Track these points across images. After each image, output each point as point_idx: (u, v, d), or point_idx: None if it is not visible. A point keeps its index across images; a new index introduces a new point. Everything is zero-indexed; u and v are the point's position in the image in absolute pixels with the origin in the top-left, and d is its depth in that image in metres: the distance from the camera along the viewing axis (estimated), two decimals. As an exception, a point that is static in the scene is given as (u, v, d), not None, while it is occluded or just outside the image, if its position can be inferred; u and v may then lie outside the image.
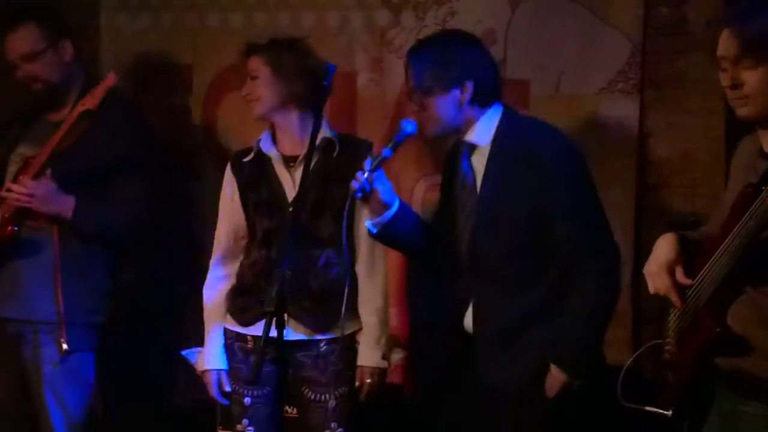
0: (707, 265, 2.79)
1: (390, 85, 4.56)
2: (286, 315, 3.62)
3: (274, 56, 3.94)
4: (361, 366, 3.92)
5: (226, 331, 4.01)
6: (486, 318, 3.53)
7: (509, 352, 3.47)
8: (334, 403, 3.88)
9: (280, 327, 3.17)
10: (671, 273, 2.87)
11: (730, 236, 2.72)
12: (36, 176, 3.90)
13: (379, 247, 3.89)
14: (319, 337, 3.89)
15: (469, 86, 3.49)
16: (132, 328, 4.49)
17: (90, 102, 3.87)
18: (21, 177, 3.93)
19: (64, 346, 3.95)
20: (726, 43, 2.80)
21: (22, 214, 3.95)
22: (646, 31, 4.27)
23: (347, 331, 3.89)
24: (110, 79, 3.91)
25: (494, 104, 3.55)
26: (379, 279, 3.95)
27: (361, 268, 3.94)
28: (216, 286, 4.05)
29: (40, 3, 4.19)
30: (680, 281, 2.86)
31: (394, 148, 3.51)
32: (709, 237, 2.90)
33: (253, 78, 3.96)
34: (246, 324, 3.94)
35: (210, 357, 4.02)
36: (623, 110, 4.26)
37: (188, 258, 4.66)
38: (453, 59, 3.50)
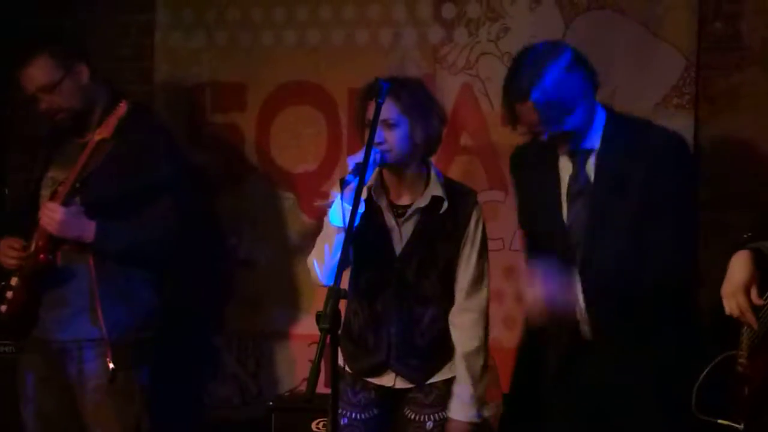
0: None
1: (443, 101, 4.53)
2: (393, 374, 3.74)
3: (408, 100, 3.69)
4: (452, 419, 3.80)
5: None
6: (601, 323, 3.44)
7: (625, 357, 3.40)
8: (431, 424, 3.80)
9: (335, 345, 3.13)
10: (747, 294, 2.86)
11: None
12: (65, 203, 3.90)
13: (481, 299, 3.79)
14: (427, 382, 3.82)
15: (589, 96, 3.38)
16: (186, 343, 4.51)
17: (105, 131, 3.85)
18: (48, 203, 3.93)
19: (111, 366, 3.97)
20: None
21: (56, 241, 3.94)
22: (701, 46, 4.26)
23: (451, 375, 3.80)
24: (122, 109, 3.85)
25: (596, 105, 3.43)
26: (471, 328, 3.80)
27: (452, 318, 3.80)
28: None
29: (49, 31, 4.22)
30: (754, 302, 2.85)
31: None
32: None
33: (388, 126, 3.66)
34: (357, 372, 3.82)
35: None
36: (678, 125, 4.20)
37: (236, 273, 4.70)
38: (570, 88, 3.32)
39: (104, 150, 3.86)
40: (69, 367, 4.03)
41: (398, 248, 3.75)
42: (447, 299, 3.77)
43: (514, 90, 3.34)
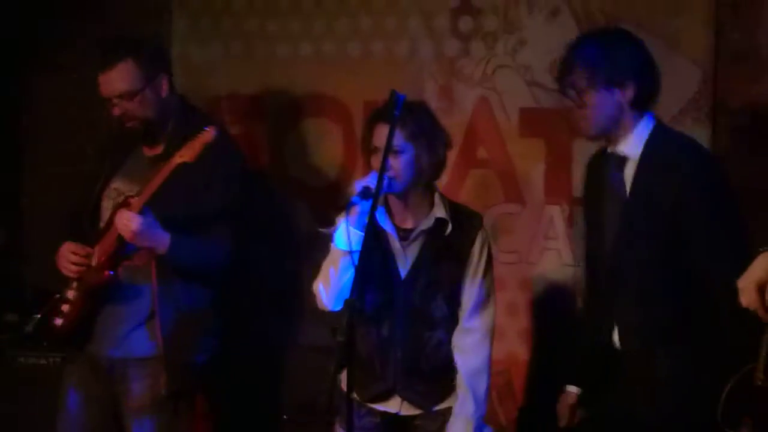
0: None
1: (459, 114, 4.57)
2: (399, 399, 3.73)
3: (413, 126, 3.67)
4: None
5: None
6: (624, 329, 3.50)
7: (653, 368, 3.43)
8: None
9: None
10: (760, 290, 2.85)
11: None
12: (140, 211, 3.81)
13: (485, 320, 3.80)
14: (433, 408, 3.81)
15: (631, 88, 3.44)
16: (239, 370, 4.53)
17: (188, 155, 3.74)
18: (124, 211, 3.83)
19: (162, 386, 3.94)
20: None
21: (119, 257, 3.91)
22: (718, 59, 4.25)
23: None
24: (209, 135, 3.74)
25: (649, 114, 3.50)
26: (472, 349, 3.80)
27: (459, 340, 3.80)
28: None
29: (138, 37, 4.10)
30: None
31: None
32: None
33: (394, 152, 3.61)
34: (365, 399, 3.80)
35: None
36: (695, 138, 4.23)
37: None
38: (617, 57, 3.44)
39: (182, 173, 3.77)
40: (116, 384, 4.01)
41: (403, 272, 3.75)
42: (454, 322, 3.76)
43: None
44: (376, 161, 3.61)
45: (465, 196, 4.41)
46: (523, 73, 4.44)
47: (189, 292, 3.99)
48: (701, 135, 4.21)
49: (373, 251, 3.66)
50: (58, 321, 3.97)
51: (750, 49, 4.24)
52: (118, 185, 4.07)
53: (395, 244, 3.75)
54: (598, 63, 3.43)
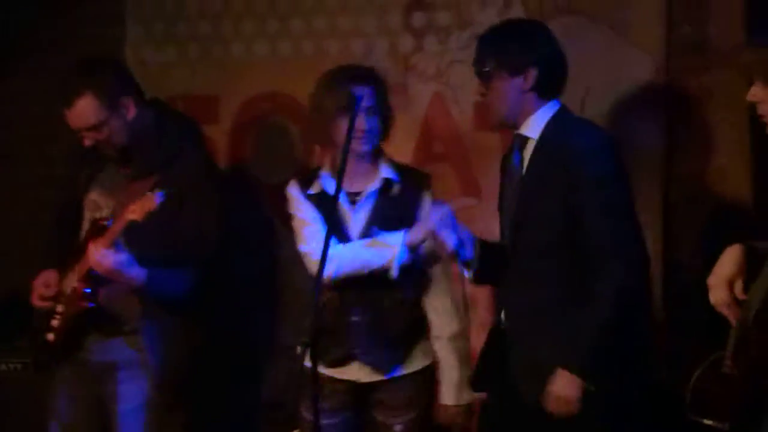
0: (756, 282, 2.79)
1: (414, 110, 4.59)
2: (360, 364, 3.77)
3: (379, 85, 3.83)
4: (442, 404, 3.85)
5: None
6: (509, 311, 3.56)
7: (535, 351, 3.45)
8: (400, 427, 3.82)
9: (315, 359, 3.18)
10: (730, 287, 2.86)
11: None
12: (110, 245, 3.80)
13: (447, 279, 3.87)
14: (393, 375, 3.83)
15: (533, 74, 3.48)
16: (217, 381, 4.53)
17: (137, 214, 3.70)
18: (98, 247, 3.81)
19: (148, 397, 3.98)
20: None
21: (96, 284, 3.90)
22: (670, 50, 4.28)
23: (421, 366, 3.85)
24: (152, 202, 3.68)
25: (554, 100, 3.54)
26: (452, 311, 3.86)
27: (430, 302, 3.86)
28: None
29: (96, 64, 4.03)
30: (738, 296, 2.84)
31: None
32: None
33: (373, 111, 3.76)
34: (327, 364, 3.78)
35: None
36: (648, 128, 4.26)
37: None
38: (519, 45, 3.50)
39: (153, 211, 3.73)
40: (104, 386, 4.03)
41: (355, 235, 3.78)
42: (409, 281, 3.77)
43: None
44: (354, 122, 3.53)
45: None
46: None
47: (170, 302, 3.99)
48: (653, 125, 4.26)
49: (324, 219, 3.74)
50: (50, 336, 4.01)
51: (701, 41, 4.27)
52: (96, 197, 4.08)
53: (345, 207, 3.80)
54: (500, 51, 3.51)
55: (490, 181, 4.44)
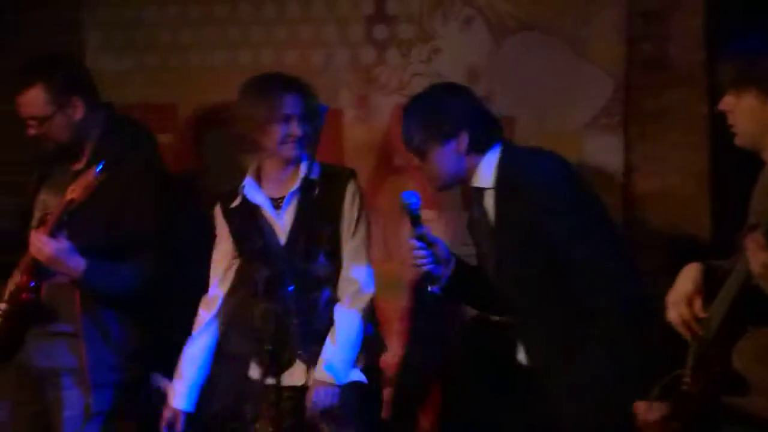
0: (716, 300, 2.80)
1: (376, 122, 4.59)
2: (303, 366, 3.80)
3: (307, 93, 3.89)
4: (313, 380, 3.81)
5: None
6: (531, 349, 3.57)
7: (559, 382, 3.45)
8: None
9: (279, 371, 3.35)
10: (689, 304, 2.87)
11: (733, 272, 2.72)
12: (52, 233, 3.81)
13: (362, 268, 3.87)
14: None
15: (465, 137, 3.53)
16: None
17: (76, 193, 3.76)
18: (38, 234, 3.84)
19: (90, 404, 3.95)
20: None
21: (39, 277, 3.90)
22: (629, 67, 4.29)
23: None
24: (91, 175, 3.77)
25: (493, 147, 3.57)
26: (358, 297, 3.86)
27: (339, 290, 3.88)
28: (211, 327, 4.03)
29: (54, 60, 4.08)
30: (697, 314, 2.85)
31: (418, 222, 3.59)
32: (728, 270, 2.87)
33: (290, 120, 3.82)
34: (272, 372, 3.80)
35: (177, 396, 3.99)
36: (607, 146, 4.28)
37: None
38: (444, 114, 3.55)
39: (98, 197, 3.79)
40: (47, 392, 4.00)
41: (282, 239, 3.83)
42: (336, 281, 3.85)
43: None
44: (285, 128, 3.77)
45: (383, 203, 4.44)
46: (438, 81, 4.45)
47: (112, 314, 3.99)
48: (613, 142, 4.27)
49: (250, 227, 3.85)
50: None
51: (661, 59, 4.29)
52: (45, 197, 4.09)
53: (269, 213, 3.86)
54: (426, 124, 3.55)
55: (450, 194, 4.45)
